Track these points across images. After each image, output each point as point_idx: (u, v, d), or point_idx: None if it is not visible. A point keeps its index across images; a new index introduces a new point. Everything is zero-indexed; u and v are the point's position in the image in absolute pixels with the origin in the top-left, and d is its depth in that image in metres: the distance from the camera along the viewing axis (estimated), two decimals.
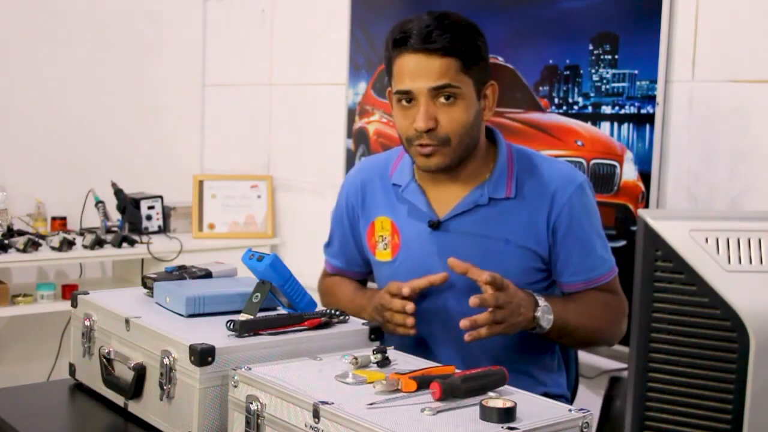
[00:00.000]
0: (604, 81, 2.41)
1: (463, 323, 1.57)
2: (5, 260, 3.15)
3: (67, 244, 3.22)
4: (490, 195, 1.75)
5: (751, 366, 0.84)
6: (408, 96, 1.68)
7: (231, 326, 1.46)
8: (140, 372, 1.52)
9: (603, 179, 2.39)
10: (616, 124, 2.39)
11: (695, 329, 0.86)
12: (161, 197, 3.68)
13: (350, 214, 1.93)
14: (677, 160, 2.26)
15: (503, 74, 2.62)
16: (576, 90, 2.48)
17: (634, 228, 2.34)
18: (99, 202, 3.51)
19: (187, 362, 1.40)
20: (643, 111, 2.32)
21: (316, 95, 3.57)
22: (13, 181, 3.59)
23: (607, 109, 2.41)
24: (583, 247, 1.75)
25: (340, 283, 1.99)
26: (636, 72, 2.33)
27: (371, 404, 1.21)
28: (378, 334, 1.59)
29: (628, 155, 2.35)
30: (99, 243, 3.30)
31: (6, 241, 3.16)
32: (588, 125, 2.45)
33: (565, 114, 2.51)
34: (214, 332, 1.47)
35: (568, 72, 2.50)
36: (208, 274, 1.78)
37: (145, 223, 3.61)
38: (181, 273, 1.76)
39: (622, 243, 2.34)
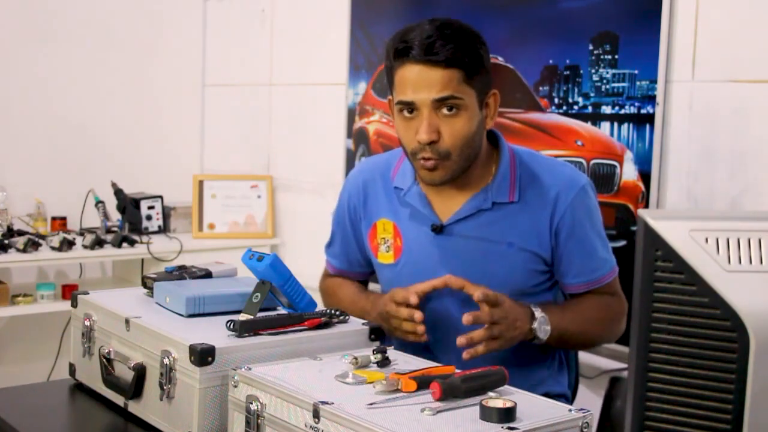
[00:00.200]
0: (604, 81, 2.41)
1: (460, 341, 1.58)
2: (5, 260, 3.15)
3: (67, 244, 3.22)
4: (493, 199, 1.75)
5: (751, 366, 0.84)
6: (410, 107, 1.67)
7: (231, 326, 1.46)
8: (140, 372, 1.52)
9: (603, 179, 2.39)
10: (616, 124, 2.39)
11: (695, 329, 0.86)
12: (161, 197, 3.68)
13: (352, 214, 1.92)
14: (677, 160, 2.26)
15: (503, 74, 2.62)
16: (576, 90, 2.48)
17: (634, 228, 2.34)
18: (99, 202, 3.51)
19: (187, 362, 1.40)
20: (643, 111, 2.32)
21: (316, 95, 3.57)
22: (13, 181, 3.59)
23: (607, 109, 2.41)
24: (586, 250, 1.76)
25: (341, 284, 1.98)
26: (636, 72, 2.33)
27: (371, 404, 1.21)
28: (378, 334, 1.59)
29: (628, 155, 2.35)
30: (99, 243, 3.30)
31: (6, 241, 3.16)
32: (588, 125, 2.45)
33: (565, 114, 2.51)
34: (214, 332, 1.47)
35: (568, 72, 2.50)
36: (208, 274, 1.78)
37: (145, 223, 3.60)
38: (181, 273, 1.76)
39: (622, 243, 2.34)
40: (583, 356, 2.31)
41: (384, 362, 1.39)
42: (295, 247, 3.69)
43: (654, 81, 2.29)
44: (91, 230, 3.49)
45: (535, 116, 2.59)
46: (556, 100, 2.53)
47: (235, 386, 1.35)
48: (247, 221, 3.76)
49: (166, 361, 1.44)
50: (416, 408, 1.21)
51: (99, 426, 1.62)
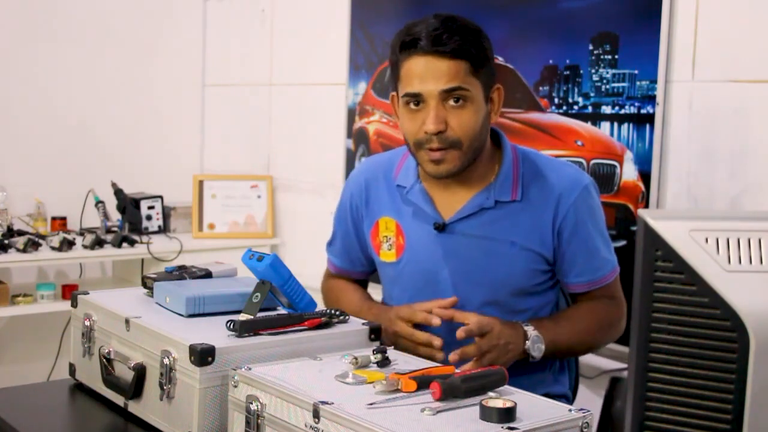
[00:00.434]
0: (604, 81, 2.41)
1: (453, 357, 1.57)
2: (5, 260, 3.15)
3: (67, 244, 3.22)
4: (496, 198, 1.75)
5: (751, 366, 0.84)
6: (417, 99, 1.67)
7: (231, 326, 1.46)
8: (140, 372, 1.52)
9: (603, 179, 2.39)
10: (616, 124, 2.39)
11: (695, 329, 0.86)
12: (161, 197, 3.68)
13: (354, 213, 1.92)
14: (677, 160, 2.26)
15: (503, 74, 2.62)
16: (576, 90, 2.48)
17: (634, 228, 2.34)
18: (99, 202, 3.51)
19: (187, 362, 1.40)
20: (643, 111, 2.32)
21: (316, 95, 3.57)
22: (13, 181, 3.59)
23: (607, 109, 2.41)
24: (588, 249, 1.76)
25: (344, 289, 1.97)
26: (636, 72, 2.33)
27: (371, 404, 1.21)
28: (378, 334, 1.59)
29: (628, 155, 2.35)
30: (99, 243, 3.30)
31: (6, 241, 3.16)
32: (588, 125, 2.45)
33: (565, 114, 2.51)
34: (214, 332, 1.47)
35: (568, 72, 2.50)
36: (208, 274, 1.78)
37: (145, 223, 3.61)
38: (181, 273, 1.76)
39: (622, 243, 2.34)
40: (583, 356, 2.31)
41: (384, 362, 1.39)
42: (295, 247, 3.69)
43: (654, 81, 2.29)
44: (91, 230, 3.49)
45: (535, 116, 2.59)
46: (556, 100, 2.53)
47: (235, 386, 1.35)
48: (247, 221, 3.76)
49: (166, 361, 1.44)
50: (416, 408, 1.21)
51: (99, 426, 1.62)
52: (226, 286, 1.67)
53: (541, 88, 2.57)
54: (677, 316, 0.86)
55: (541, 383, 1.80)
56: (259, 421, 1.29)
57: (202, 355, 1.38)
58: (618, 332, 1.83)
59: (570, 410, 1.23)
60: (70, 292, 2.47)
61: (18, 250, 3.14)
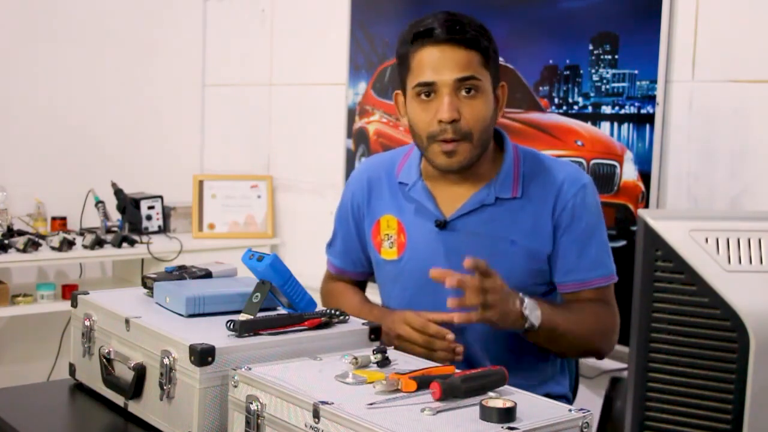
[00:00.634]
0: (604, 81, 2.41)
1: (451, 302, 1.54)
2: (5, 260, 3.15)
3: (67, 244, 3.22)
4: (496, 195, 1.75)
5: (751, 366, 0.84)
6: (429, 89, 1.68)
7: (231, 326, 1.46)
8: (140, 372, 1.52)
9: (603, 179, 2.39)
10: (616, 124, 2.39)
11: (695, 329, 0.86)
12: (161, 197, 3.68)
13: (355, 212, 1.92)
14: (677, 160, 2.26)
15: (503, 74, 2.61)
16: (576, 90, 2.48)
17: (634, 228, 2.34)
18: (99, 202, 3.51)
19: (187, 362, 1.40)
20: (643, 111, 2.32)
21: (316, 95, 3.57)
22: (13, 181, 3.59)
23: (607, 109, 2.41)
24: (581, 246, 1.74)
25: (343, 292, 1.97)
26: (636, 72, 2.33)
27: (371, 404, 1.21)
28: (378, 334, 1.59)
29: (628, 155, 2.35)
30: (99, 243, 3.30)
31: (6, 241, 3.16)
32: (588, 125, 2.45)
33: (565, 114, 2.51)
34: (214, 332, 1.47)
35: (568, 72, 2.50)
36: (208, 274, 1.78)
37: (145, 223, 3.61)
38: (181, 273, 1.76)
39: (622, 243, 2.34)
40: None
41: (384, 362, 1.39)
42: (295, 247, 3.69)
43: (654, 81, 2.29)
44: (91, 230, 3.49)
45: (535, 116, 2.59)
46: (556, 100, 2.53)
47: (235, 386, 1.35)
48: (247, 221, 3.76)
49: (166, 361, 1.44)
50: (416, 408, 1.21)
51: (99, 426, 1.62)
52: (226, 286, 1.67)
53: (541, 88, 2.57)
54: (677, 316, 0.86)
55: (541, 384, 1.79)
56: (259, 421, 1.29)
57: (202, 355, 1.38)
58: (610, 345, 1.78)
59: (570, 410, 1.22)
60: (70, 292, 2.47)
61: (18, 250, 3.14)
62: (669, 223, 0.87)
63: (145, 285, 1.76)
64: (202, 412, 1.39)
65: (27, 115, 3.68)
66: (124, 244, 3.36)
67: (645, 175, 2.31)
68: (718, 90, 2.18)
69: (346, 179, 2.02)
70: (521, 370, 1.71)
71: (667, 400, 0.87)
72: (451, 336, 1.65)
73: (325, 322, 1.55)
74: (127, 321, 1.57)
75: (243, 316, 1.50)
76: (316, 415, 1.20)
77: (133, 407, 1.55)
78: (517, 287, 1.73)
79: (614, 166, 2.38)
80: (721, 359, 0.85)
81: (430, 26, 1.67)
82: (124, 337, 1.58)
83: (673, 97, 2.27)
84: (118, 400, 1.59)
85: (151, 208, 3.64)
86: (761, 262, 0.85)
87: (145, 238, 3.45)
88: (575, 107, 2.48)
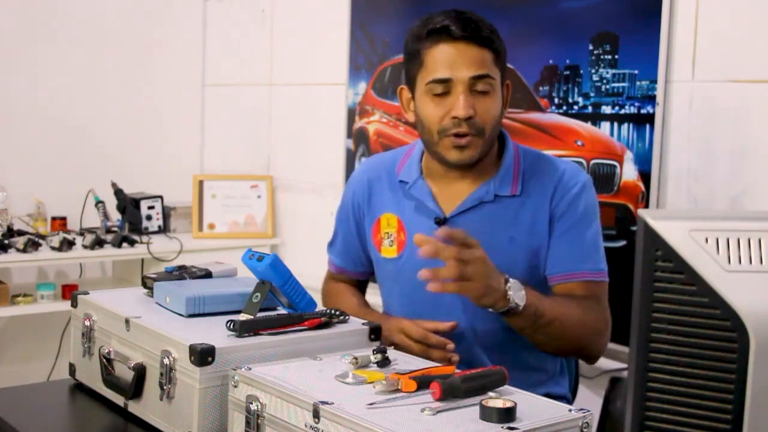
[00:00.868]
0: (604, 81, 2.41)
1: (424, 273, 1.47)
2: (5, 260, 3.15)
3: (67, 244, 3.22)
4: (495, 192, 1.76)
5: (751, 366, 0.84)
6: (444, 85, 1.69)
7: (231, 326, 1.46)
8: (140, 372, 1.52)
9: (603, 179, 2.39)
10: (616, 124, 2.39)
11: (695, 329, 0.86)
12: (161, 197, 3.69)
13: (356, 212, 1.93)
14: (677, 160, 2.26)
15: None
16: (576, 90, 2.48)
17: (634, 228, 2.34)
18: (99, 202, 3.51)
19: (187, 362, 1.40)
20: (643, 111, 2.32)
21: (316, 95, 3.57)
22: (13, 181, 3.59)
23: (607, 109, 2.41)
24: (571, 237, 1.73)
25: (343, 293, 1.97)
26: (636, 72, 2.33)
27: (371, 404, 1.21)
28: (378, 334, 1.59)
29: (628, 155, 2.35)
30: (99, 243, 3.30)
31: (6, 241, 3.16)
32: (588, 125, 2.45)
33: (565, 114, 2.51)
34: (214, 332, 1.47)
35: (568, 72, 2.50)
36: (208, 274, 1.78)
37: (145, 223, 3.61)
38: (181, 273, 1.76)
39: (622, 243, 2.34)
40: None
41: (384, 362, 1.39)
42: (295, 247, 3.69)
43: (654, 81, 2.29)
44: (91, 230, 3.49)
45: (535, 116, 2.59)
46: (556, 100, 2.53)
47: (235, 386, 1.35)
48: (247, 221, 3.76)
49: (166, 361, 1.44)
50: (416, 408, 1.21)
51: (99, 426, 1.62)
52: (226, 286, 1.67)
53: (541, 88, 2.57)
54: (677, 316, 0.86)
55: (541, 384, 1.79)
56: (259, 421, 1.29)
57: (202, 355, 1.38)
58: (599, 345, 1.73)
59: (570, 410, 1.22)
60: (70, 292, 2.47)
61: (18, 250, 3.14)
62: (669, 223, 0.87)
63: (145, 285, 1.76)
64: (202, 412, 1.39)
65: (27, 115, 3.68)
66: (124, 244, 3.36)
67: (645, 175, 2.31)
68: (718, 90, 2.18)
69: (346, 179, 2.02)
70: (521, 370, 1.71)
71: (667, 400, 0.87)
72: (451, 346, 1.65)
73: (325, 322, 1.55)
74: (127, 321, 1.57)
75: (243, 316, 1.50)
76: (316, 415, 1.20)
77: (133, 407, 1.55)
78: None
79: (614, 166, 2.38)
80: (721, 359, 0.85)
81: (445, 23, 1.68)
82: (124, 337, 1.58)
83: (673, 97, 2.27)
84: (118, 400, 1.59)
85: (151, 208, 3.64)
86: (761, 262, 0.85)
87: (145, 238, 3.46)
88: (575, 107, 2.48)
